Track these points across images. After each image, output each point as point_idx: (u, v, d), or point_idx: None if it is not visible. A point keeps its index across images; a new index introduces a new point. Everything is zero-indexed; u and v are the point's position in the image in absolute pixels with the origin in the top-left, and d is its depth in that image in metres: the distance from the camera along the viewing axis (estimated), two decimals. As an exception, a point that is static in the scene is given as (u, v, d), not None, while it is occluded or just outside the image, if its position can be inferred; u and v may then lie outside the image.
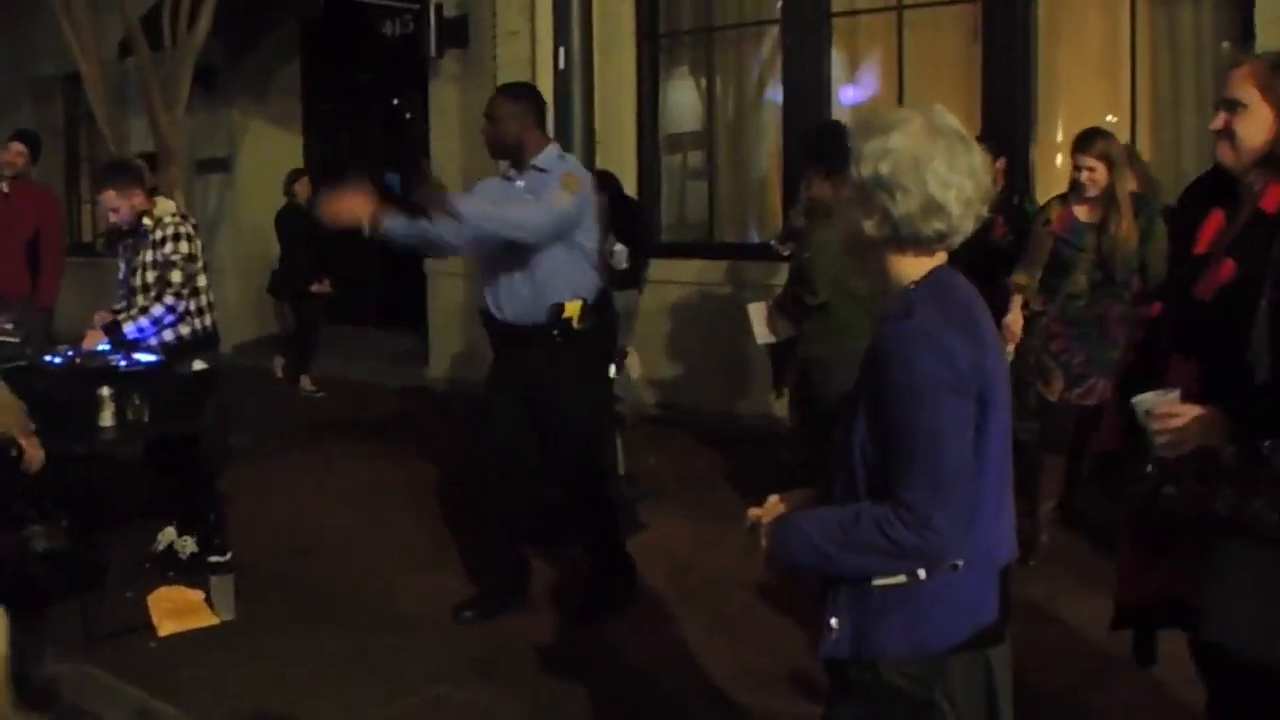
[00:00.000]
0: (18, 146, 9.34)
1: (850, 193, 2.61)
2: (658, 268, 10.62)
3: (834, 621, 2.62)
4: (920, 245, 2.57)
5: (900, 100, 9.65)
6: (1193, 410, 3.13)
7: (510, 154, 5.77)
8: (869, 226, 2.57)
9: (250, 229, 14.63)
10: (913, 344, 2.47)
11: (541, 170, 5.66)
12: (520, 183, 5.74)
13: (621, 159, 10.92)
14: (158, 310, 6.39)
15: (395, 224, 5.47)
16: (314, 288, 11.82)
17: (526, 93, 5.95)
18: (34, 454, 5.17)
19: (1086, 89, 9.29)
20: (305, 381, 12.15)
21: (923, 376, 2.44)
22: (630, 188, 11.03)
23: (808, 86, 10.17)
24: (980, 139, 4.06)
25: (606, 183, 8.74)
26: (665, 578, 6.43)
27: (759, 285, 9.33)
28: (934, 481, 2.44)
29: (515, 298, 5.68)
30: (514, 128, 5.68)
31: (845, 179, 2.61)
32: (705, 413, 10.13)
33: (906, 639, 2.55)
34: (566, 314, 5.62)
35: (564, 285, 5.62)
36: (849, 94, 10.32)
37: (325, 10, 12.42)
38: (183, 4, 10.97)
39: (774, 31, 10.67)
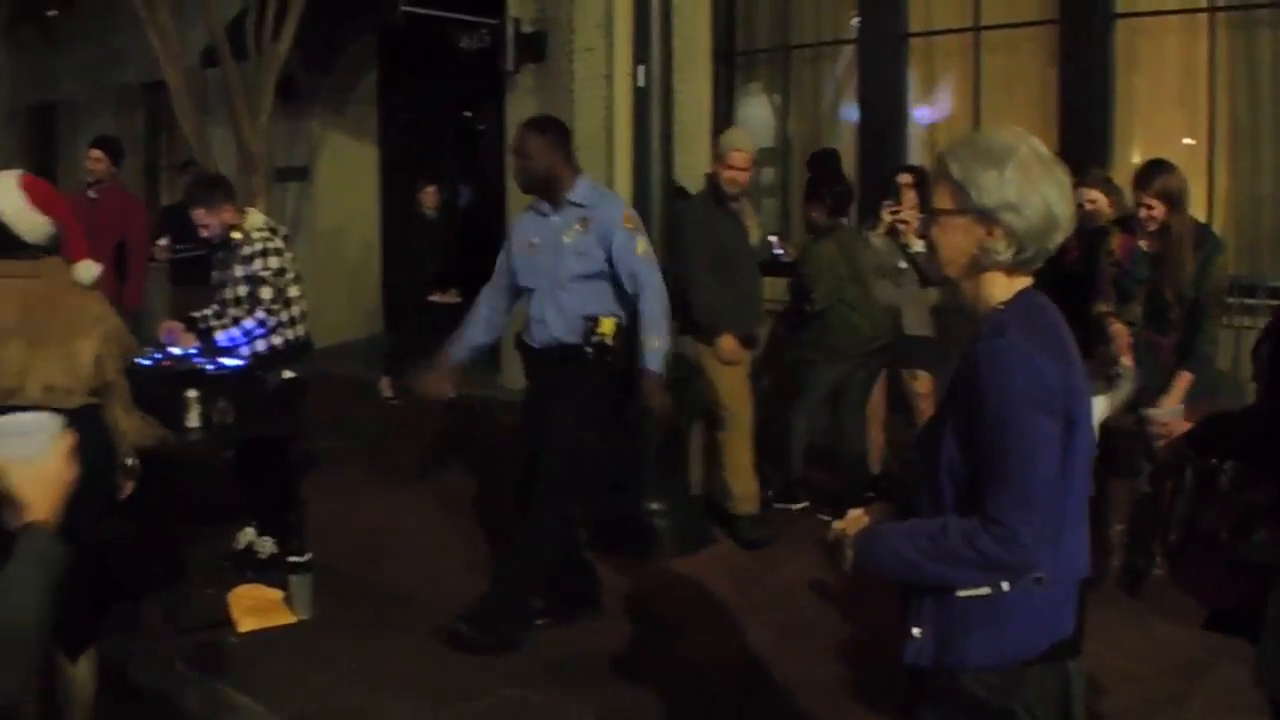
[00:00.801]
0: (96, 153, 9.54)
1: (961, 219, 2.69)
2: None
3: (916, 631, 2.69)
4: (1024, 266, 2.69)
5: (976, 122, 9.67)
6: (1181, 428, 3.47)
7: (541, 188, 5.80)
8: (997, 248, 2.66)
9: (326, 236, 14.85)
10: (1006, 362, 2.55)
11: (579, 205, 5.71)
12: (555, 218, 5.78)
13: (695, 177, 10.99)
14: (249, 323, 6.53)
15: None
16: (434, 297, 11.82)
17: (553, 125, 5.96)
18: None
19: (1164, 114, 9.24)
20: (384, 385, 12.20)
21: (1016, 395, 2.52)
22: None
23: (883, 106, 10.21)
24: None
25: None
26: (735, 588, 6.50)
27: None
28: (1023, 497, 2.50)
29: (551, 321, 5.75)
30: (544, 162, 5.72)
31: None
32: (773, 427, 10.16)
33: (988, 649, 2.62)
34: (601, 329, 5.67)
35: (599, 305, 5.70)
36: (925, 114, 10.35)
37: (405, 23, 12.57)
38: (267, 15, 11.15)
39: (850, 51, 10.71)
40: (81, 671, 4.68)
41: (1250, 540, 3.34)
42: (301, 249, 14.91)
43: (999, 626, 2.61)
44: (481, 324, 6.16)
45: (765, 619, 6.08)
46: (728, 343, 7.26)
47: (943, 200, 2.71)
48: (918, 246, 7.68)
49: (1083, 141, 8.94)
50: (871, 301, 7.79)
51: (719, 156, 7.43)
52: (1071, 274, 6.89)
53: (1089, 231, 6.83)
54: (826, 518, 7.40)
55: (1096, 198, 6.58)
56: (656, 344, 5.74)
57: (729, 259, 7.34)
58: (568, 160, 5.80)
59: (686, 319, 7.25)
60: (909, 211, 7.90)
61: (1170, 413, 3.35)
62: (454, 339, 6.23)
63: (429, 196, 12.16)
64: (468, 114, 15.09)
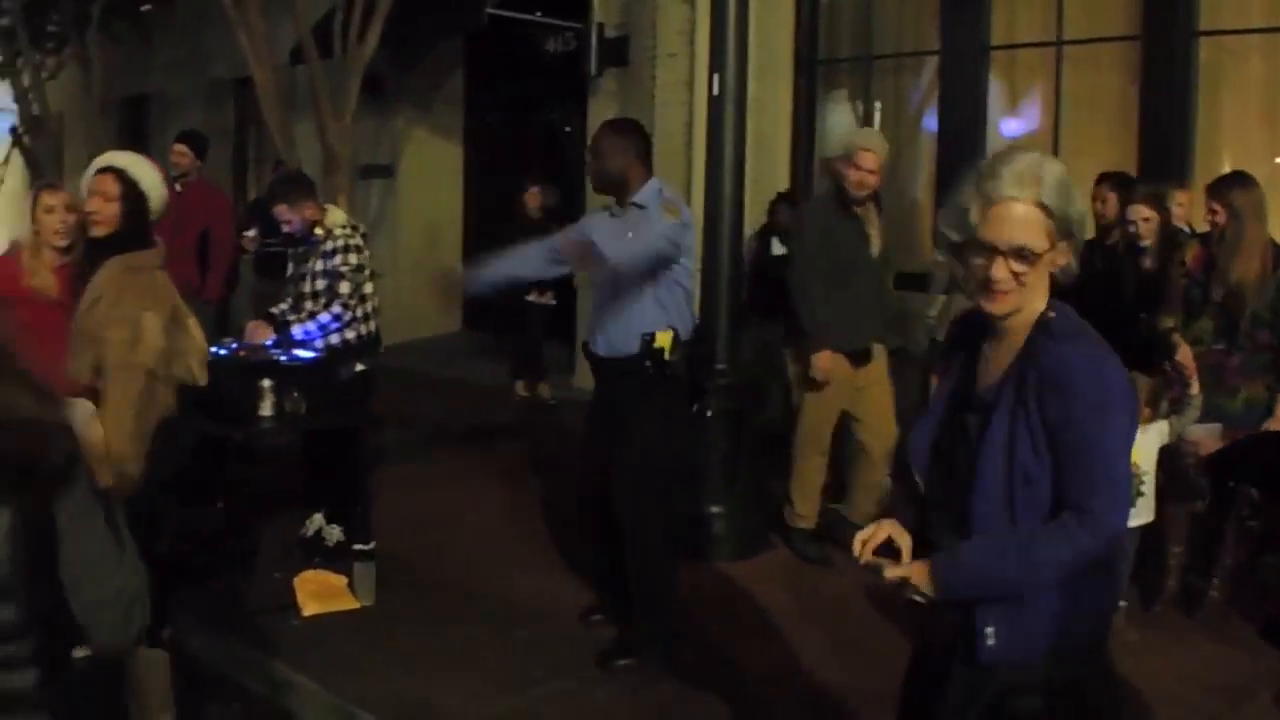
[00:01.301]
0: (180, 148, 9.70)
1: (1053, 251, 2.76)
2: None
3: (989, 630, 2.76)
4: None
5: (1056, 136, 9.65)
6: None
7: (613, 189, 5.76)
8: (1071, 266, 2.78)
9: (410, 234, 15.05)
10: (1102, 364, 2.70)
11: (640, 207, 5.67)
12: (618, 220, 5.76)
13: (775, 185, 11.06)
14: (325, 317, 6.66)
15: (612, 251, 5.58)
16: (530, 297, 11.96)
17: (630, 127, 5.93)
18: None
19: (1247, 131, 9.19)
20: (519, 387, 12.21)
21: (1111, 394, 2.67)
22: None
23: (963, 118, 10.21)
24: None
25: None
26: (790, 594, 6.55)
27: (908, 313, 9.39)
28: (1113, 489, 2.67)
29: (611, 330, 5.72)
30: (618, 162, 5.69)
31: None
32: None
33: (1059, 630, 2.73)
34: (658, 344, 5.59)
35: (657, 316, 5.62)
36: (1005, 127, 10.33)
37: (490, 25, 12.72)
38: (353, 16, 11.33)
39: (932, 62, 10.71)
40: (154, 653, 4.82)
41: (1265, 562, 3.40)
42: (384, 245, 15.24)
43: (1071, 610, 2.73)
44: (518, 256, 6.03)
45: (818, 626, 6.13)
46: (823, 360, 6.91)
47: (1039, 239, 2.74)
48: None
49: (1163, 158, 8.91)
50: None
51: (846, 157, 6.90)
52: (1147, 276, 6.89)
53: (1163, 241, 6.81)
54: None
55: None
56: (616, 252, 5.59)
57: (846, 269, 6.99)
58: (642, 162, 5.76)
59: (789, 328, 7.21)
60: None
61: (1205, 430, 3.31)
62: (491, 260, 6.10)
63: (533, 198, 12.20)
64: (553, 115, 15.21)
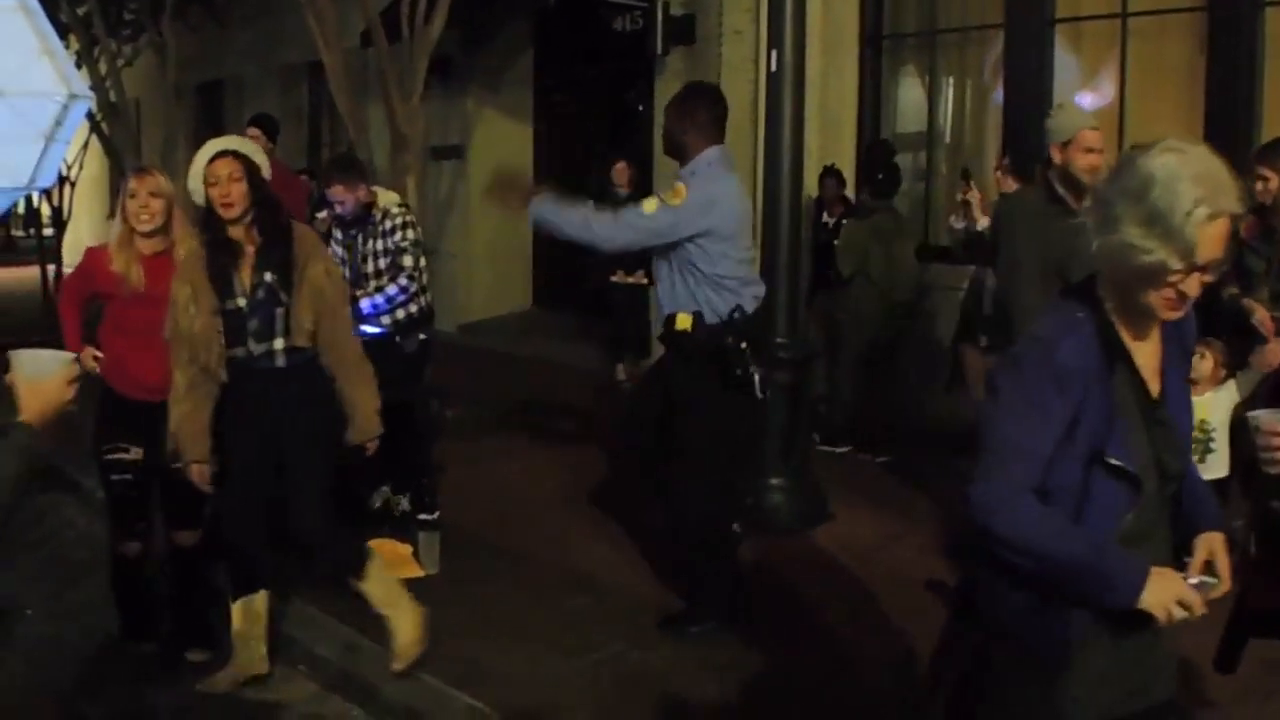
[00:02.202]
0: (253, 131, 9.85)
1: None
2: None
3: None
4: None
5: (1122, 108, 9.60)
6: None
7: (676, 153, 5.73)
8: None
9: (481, 214, 15.18)
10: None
11: (689, 175, 5.61)
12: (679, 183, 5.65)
13: (841, 161, 11.07)
14: (392, 289, 6.78)
15: (542, 208, 5.60)
16: (616, 278, 11.95)
17: (693, 92, 5.87)
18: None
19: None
20: (619, 371, 12.16)
21: None
22: (850, 189, 11.19)
23: (1028, 92, 10.14)
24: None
25: None
26: (851, 564, 6.61)
27: (955, 288, 9.39)
28: None
29: (658, 304, 5.84)
30: (675, 127, 5.67)
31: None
32: (900, 411, 10.23)
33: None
34: (679, 326, 5.58)
35: (686, 296, 5.57)
36: (1072, 100, 10.28)
37: (558, 5, 12.80)
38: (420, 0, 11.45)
39: (997, 36, 10.66)
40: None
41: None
42: (455, 226, 15.42)
43: None
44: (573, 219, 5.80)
45: (878, 594, 6.20)
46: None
47: None
48: (983, 224, 7.63)
49: (1230, 129, 8.82)
50: (896, 275, 9.17)
51: (1065, 140, 5.73)
52: None
53: None
54: (867, 456, 8.41)
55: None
56: (546, 205, 5.62)
57: (1062, 270, 5.86)
58: (700, 130, 5.65)
59: (996, 333, 7.22)
60: (973, 193, 7.83)
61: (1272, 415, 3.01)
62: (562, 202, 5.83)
63: (620, 173, 12.19)
64: (621, 95, 15.26)
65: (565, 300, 14.99)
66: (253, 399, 5.13)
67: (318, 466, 5.21)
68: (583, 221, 5.61)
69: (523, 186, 6.03)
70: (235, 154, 5.03)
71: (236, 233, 5.07)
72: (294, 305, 5.05)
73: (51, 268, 17.16)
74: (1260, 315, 6.03)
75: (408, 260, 6.81)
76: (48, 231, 18.57)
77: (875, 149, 10.02)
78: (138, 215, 5.27)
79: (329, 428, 5.23)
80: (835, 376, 9.27)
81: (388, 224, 6.86)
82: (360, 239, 6.95)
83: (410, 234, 6.85)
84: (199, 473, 5.11)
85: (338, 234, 7.10)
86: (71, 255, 19.28)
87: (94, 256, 5.49)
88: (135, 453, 5.44)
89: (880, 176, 9.43)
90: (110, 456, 5.47)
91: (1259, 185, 6.22)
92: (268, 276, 5.04)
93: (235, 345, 5.07)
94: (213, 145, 5.10)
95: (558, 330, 14.42)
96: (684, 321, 5.58)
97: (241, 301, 5.05)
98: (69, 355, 3.30)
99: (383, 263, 6.85)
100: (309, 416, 5.18)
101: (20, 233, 28.71)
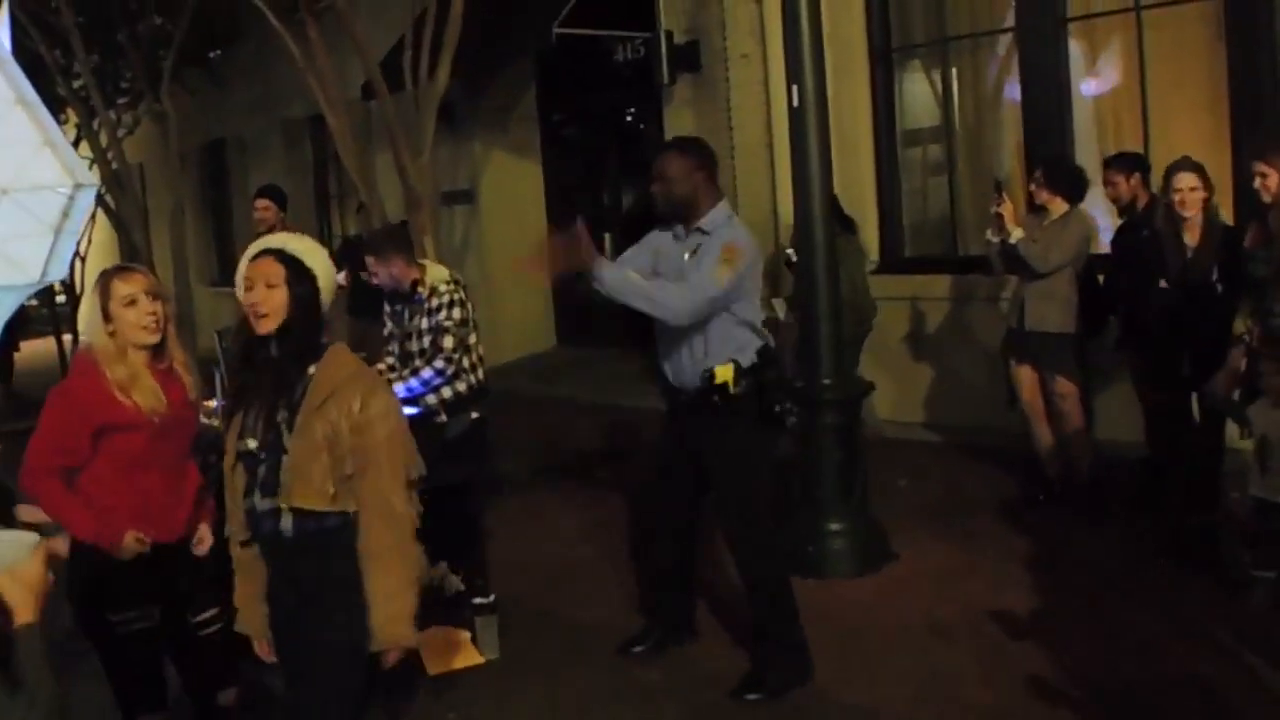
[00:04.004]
0: (263, 203, 9.73)
1: None
2: (900, 283, 10.62)
3: None
4: None
5: (1144, 104, 9.41)
6: None
7: (681, 212, 5.57)
8: None
9: (496, 256, 15.03)
10: None
11: (705, 233, 5.48)
12: (681, 243, 5.58)
13: (862, 182, 10.91)
14: (427, 373, 6.60)
15: (611, 276, 5.35)
16: None
17: (696, 146, 5.75)
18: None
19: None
20: None
21: None
22: (870, 205, 11.04)
23: (1045, 93, 9.98)
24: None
25: None
26: (919, 609, 6.42)
27: (997, 299, 9.22)
28: None
29: (678, 363, 5.61)
30: (686, 186, 5.50)
31: None
32: (949, 431, 10.07)
33: None
34: (719, 379, 5.43)
35: (719, 349, 5.46)
36: (1091, 98, 10.10)
37: (558, 41, 12.67)
38: (422, 49, 11.31)
39: (1010, 39, 10.49)
40: None
41: None
42: (471, 270, 15.25)
43: None
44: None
45: (951, 640, 6.01)
46: None
47: None
48: (1016, 235, 7.55)
49: (1255, 116, 8.65)
50: (861, 302, 8.95)
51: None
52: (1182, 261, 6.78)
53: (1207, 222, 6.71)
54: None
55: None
56: (617, 273, 5.40)
57: None
58: (710, 183, 5.58)
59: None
60: (1006, 205, 7.69)
61: None
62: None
63: None
64: (629, 126, 15.12)
65: (589, 336, 14.82)
66: (268, 564, 4.04)
67: (331, 680, 3.93)
68: (653, 293, 5.37)
69: (544, 243, 5.84)
70: (280, 254, 3.96)
71: (245, 350, 4.07)
72: (295, 453, 3.86)
73: (68, 337, 17.10)
74: None
75: (448, 342, 6.60)
76: (60, 299, 18.49)
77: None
78: (142, 326, 4.58)
79: (350, 624, 3.87)
80: None
81: (434, 302, 6.66)
82: (406, 315, 6.78)
83: (456, 313, 6.64)
84: (264, 649, 4.10)
85: (388, 308, 6.94)
86: (85, 326, 19.23)
87: (86, 388, 4.53)
88: (153, 614, 4.65)
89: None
90: (125, 626, 4.59)
91: (1257, 182, 6.11)
92: (281, 414, 3.90)
93: (249, 494, 3.97)
94: (259, 244, 4.09)
95: (586, 368, 14.24)
96: (725, 374, 5.45)
97: (252, 443, 3.94)
98: (31, 536, 2.87)
99: (426, 341, 6.67)
100: (322, 607, 3.91)
101: (34, 301, 28.69)
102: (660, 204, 5.65)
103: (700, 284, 5.36)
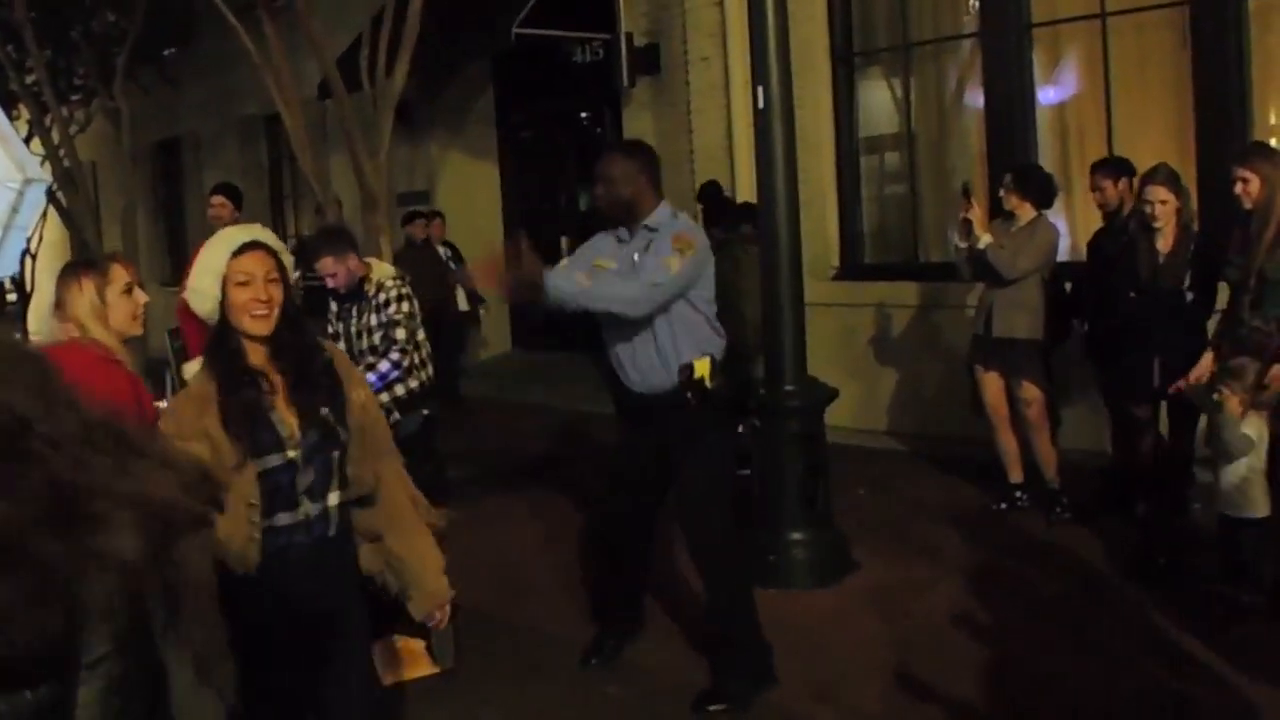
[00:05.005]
0: (219, 199, 9.53)
1: None
2: (861, 289, 10.56)
3: None
4: None
5: (1109, 110, 9.38)
6: None
7: (623, 215, 5.51)
8: None
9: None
10: None
11: (651, 230, 5.43)
12: (629, 244, 5.51)
13: (822, 184, 10.84)
14: (384, 366, 6.50)
15: (560, 284, 5.22)
16: None
17: (640, 149, 5.73)
18: None
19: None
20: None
21: None
22: (831, 211, 10.97)
23: (1008, 99, 9.95)
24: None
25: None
26: (881, 620, 6.33)
27: (961, 306, 9.17)
28: None
29: (644, 365, 5.47)
30: (629, 187, 5.45)
31: None
32: (912, 438, 10.02)
33: None
34: (697, 374, 5.33)
35: (691, 344, 5.37)
36: (1053, 103, 10.06)
37: (517, 42, 12.55)
38: (379, 48, 11.17)
39: (973, 44, 10.45)
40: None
41: None
42: (427, 274, 15.07)
43: None
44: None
45: (913, 653, 5.90)
46: None
47: None
48: (985, 241, 7.52)
49: (1222, 125, 8.64)
50: (740, 308, 7.95)
51: None
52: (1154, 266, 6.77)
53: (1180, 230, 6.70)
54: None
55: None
56: (566, 281, 5.29)
57: None
58: (653, 186, 5.53)
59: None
60: (974, 211, 7.66)
61: None
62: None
63: None
64: (587, 128, 15.01)
65: (544, 341, 14.69)
66: (297, 580, 3.67)
67: (366, 653, 4.06)
68: (605, 290, 5.29)
69: (498, 259, 5.75)
70: (268, 248, 3.67)
71: (258, 357, 3.66)
72: (352, 445, 3.74)
73: (17, 335, 16.82)
74: None
75: (400, 333, 6.53)
76: (11, 297, 18.24)
77: (709, 189, 10.43)
78: (134, 316, 4.42)
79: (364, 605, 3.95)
80: None
81: (382, 297, 6.59)
82: (355, 313, 6.67)
83: (405, 306, 6.58)
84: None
85: (334, 307, 6.81)
86: (37, 323, 18.99)
87: (127, 386, 4.23)
88: None
89: (729, 210, 9.71)
90: None
91: (1239, 188, 6.14)
92: (324, 411, 3.67)
93: (278, 511, 3.64)
94: (235, 234, 3.74)
95: (542, 373, 14.13)
96: (702, 368, 5.35)
97: (293, 453, 3.61)
98: None
99: (376, 337, 6.58)
100: (358, 596, 3.91)
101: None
102: (604, 206, 5.60)
103: (653, 271, 5.28)
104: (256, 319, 3.60)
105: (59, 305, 4.45)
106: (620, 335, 5.51)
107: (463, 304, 13.27)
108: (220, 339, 3.66)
